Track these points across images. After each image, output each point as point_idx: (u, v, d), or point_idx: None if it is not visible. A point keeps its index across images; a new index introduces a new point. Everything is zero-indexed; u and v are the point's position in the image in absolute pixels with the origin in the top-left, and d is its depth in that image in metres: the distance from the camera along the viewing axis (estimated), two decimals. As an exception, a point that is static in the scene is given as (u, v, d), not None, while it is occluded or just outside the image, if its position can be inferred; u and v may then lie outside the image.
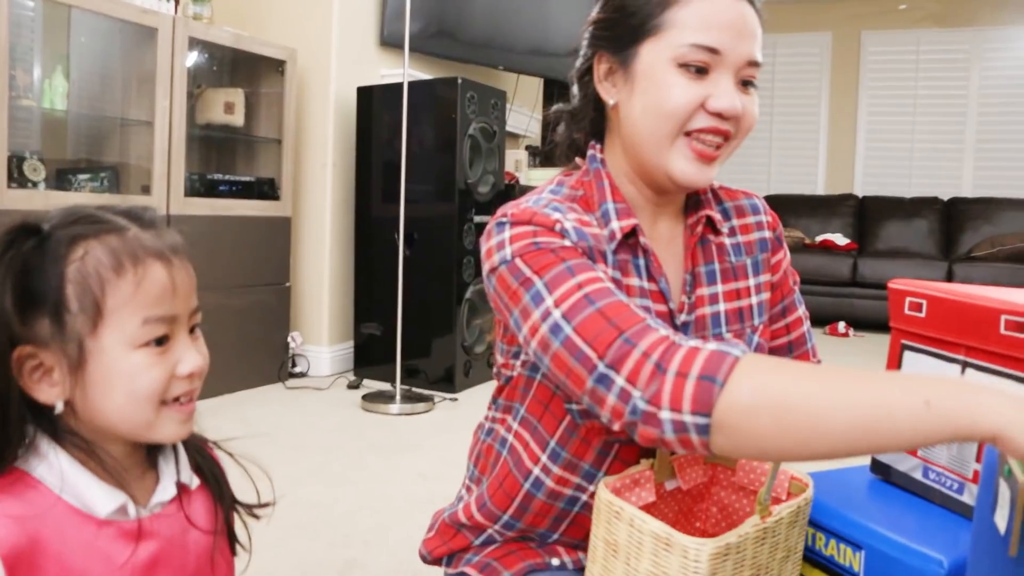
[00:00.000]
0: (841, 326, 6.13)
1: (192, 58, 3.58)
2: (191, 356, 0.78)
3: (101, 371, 0.73)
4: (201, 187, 3.55)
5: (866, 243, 6.90)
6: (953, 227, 6.79)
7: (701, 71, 0.97)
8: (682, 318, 1.05)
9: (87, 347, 0.73)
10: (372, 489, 2.50)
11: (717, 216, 1.11)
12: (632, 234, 1.03)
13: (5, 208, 2.74)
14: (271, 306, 3.84)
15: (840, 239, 6.71)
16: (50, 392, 0.74)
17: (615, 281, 1.00)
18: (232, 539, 0.89)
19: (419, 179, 3.79)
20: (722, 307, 1.09)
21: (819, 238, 6.79)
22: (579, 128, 1.13)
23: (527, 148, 5.41)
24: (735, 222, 1.15)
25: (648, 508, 1.03)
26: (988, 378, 0.96)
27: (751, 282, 1.13)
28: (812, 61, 7.82)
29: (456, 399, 3.71)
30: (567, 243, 0.95)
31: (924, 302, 1.06)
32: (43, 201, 2.87)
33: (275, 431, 3.08)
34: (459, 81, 3.76)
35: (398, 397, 3.47)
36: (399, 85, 3.67)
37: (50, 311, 0.72)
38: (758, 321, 1.12)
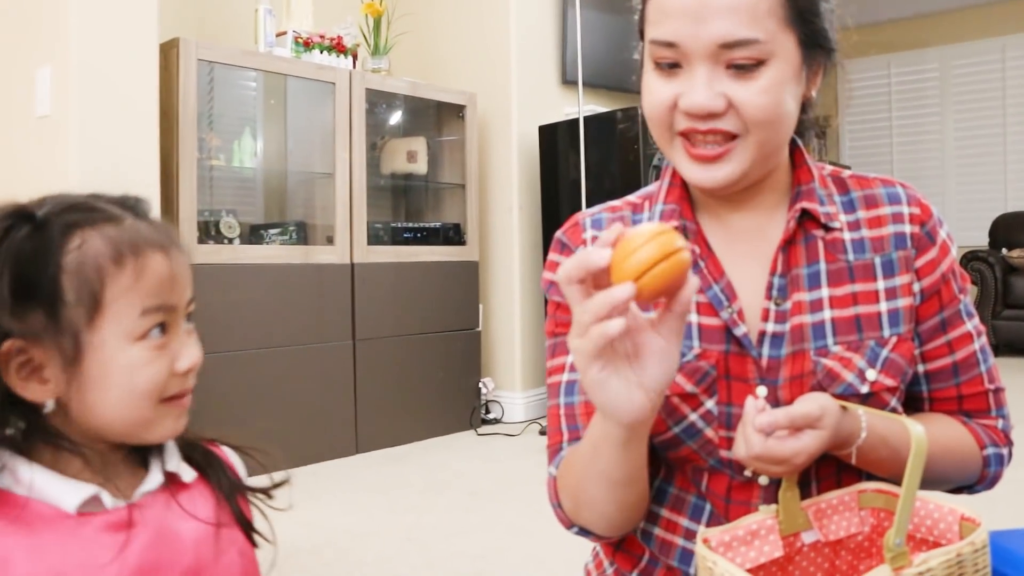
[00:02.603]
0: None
1: (371, 110, 3.68)
2: (189, 350, 0.74)
3: (98, 366, 0.70)
4: (385, 235, 3.62)
5: None
6: None
7: (674, 66, 0.86)
8: (771, 328, 0.90)
9: (83, 341, 0.69)
10: (545, 541, 2.35)
11: (818, 208, 0.92)
12: None
13: (197, 263, 2.88)
14: (461, 352, 3.83)
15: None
16: (40, 390, 0.70)
17: None
18: (249, 530, 0.82)
19: (604, 215, 3.66)
20: (828, 314, 0.90)
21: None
22: None
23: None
24: (861, 214, 0.94)
25: (782, 566, 0.83)
26: None
27: (879, 285, 0.91)
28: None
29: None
30: None
31: None
32: (232, 255, 3.01)
33: (455, 478, 3.01)
34: (639, 111, 3.61)
35: (586, 441, 3.32)
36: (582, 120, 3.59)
37: (44, 303, 0.68)
38: (890, 332, 0.90)
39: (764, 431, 0.80)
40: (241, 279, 3.00)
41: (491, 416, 4.00)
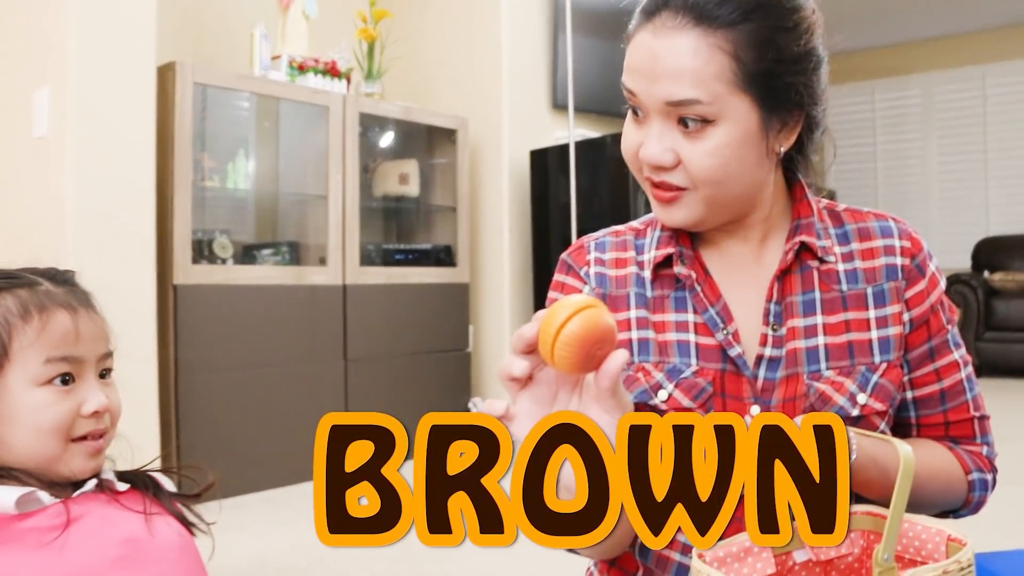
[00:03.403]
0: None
1: (364, 133, 3.72)
2: (95, 396, 0.84)
3: (6, 406, 0.81)
4: (377, 257, 3.65)
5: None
6: None
7: (642, 113, 0.92)
8: (768, 352, 0.93)
9: None
10: (538, 560, 2.37)
11: (815, 242, 0.96)
12: (669, 262, 0.99)
13: (191, 283, 2.91)
14: (451, 372, 3.85)
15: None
16: None
17: (640, 320, 0.98)
18: (186, 523, 0.91)
19: (595, 238, 3.69)
20: (822, 340, 0.94)
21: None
22: None
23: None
24: (855, 246, 0.98)
25: None
26: None
27: (871, 314, 0.95)
28: (1027, 91, 7.07)
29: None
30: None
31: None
32: (225, 275, 3.04)
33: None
34: (629, 135, 3.66)
35: (575, 462, 3.33)
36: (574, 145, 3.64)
37: None
38: (880, 359, 0.94)
39: None
40: (235, 299, 3.02)
41: (481, 437, 4.01)
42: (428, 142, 4.02)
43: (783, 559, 0.88)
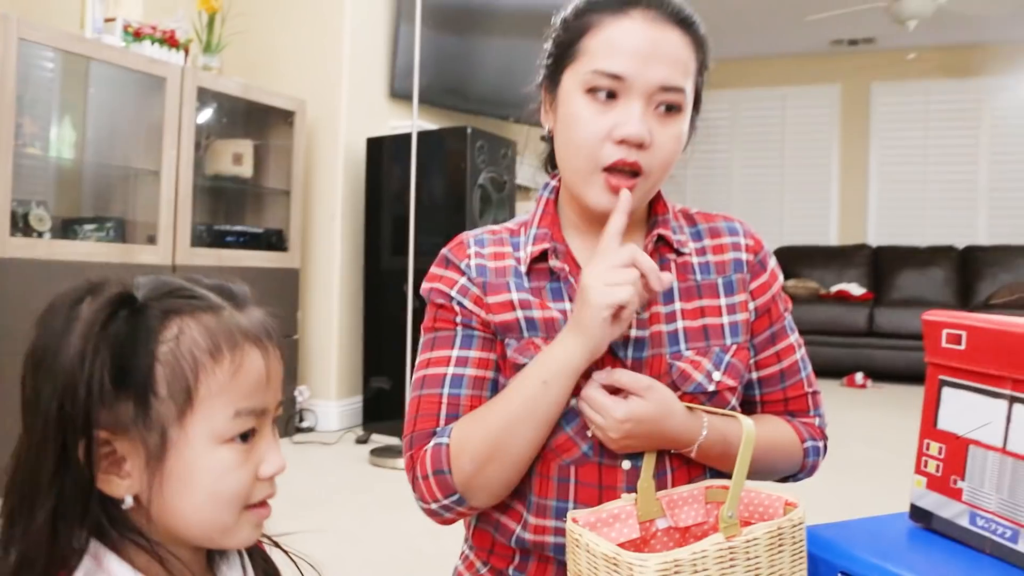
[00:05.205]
0: (859, 377, 6.02)
1: (201, 108, 3.58)
2: (275, 456, 0.70)
3: (182, 466, 0.65)
4: (208, 238, 3.52)
5: (882, 293, 6.81)
6: (970, 275, 6.71)
7: (611, 96, 0.99)
8: (634, 333, 1.05)
9: (170, 437, 0.64)
10: (380, 545, 2.40)
11: (671, 235, 1.10)
12: (544, 257, 1.08)
13: (8, 257, 2.70)
14: (278, 359, 3.77)
15: (856, 289, 6.64)
16: (119, 485, 0.65)
17: (523, 302, 1.06)
18: None
19: (429, 230, 3.74)
20: (681, 324, 1.07)
21: (834, 288, 6.72)
22: (546, 158, 1.20)
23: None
24: (707, 242, 1.13)
25: (637, 546, 0.97)
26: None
27: (722, 302, 1.10)
28: (822, 113, 7.83)
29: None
30: (455, 292, 1.08)
31: (964, 334, 0.98)
32: (46, 250, 2.84)
33: (279, 486, 2.98)
34: (468, 131, 3.74)
35: (407, 451, 3.38)
36: (409, 136, 3.65)
37: (136, 394, 0.63)
38: (730, 341, 1.08)
39: (601, 382, 0.98)
40: (54, 276, 2.83)
41: (305, 424, 3.97)
42: (265, 122, 3.91)
43: (647, 526, 0.99)
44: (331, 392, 4.04)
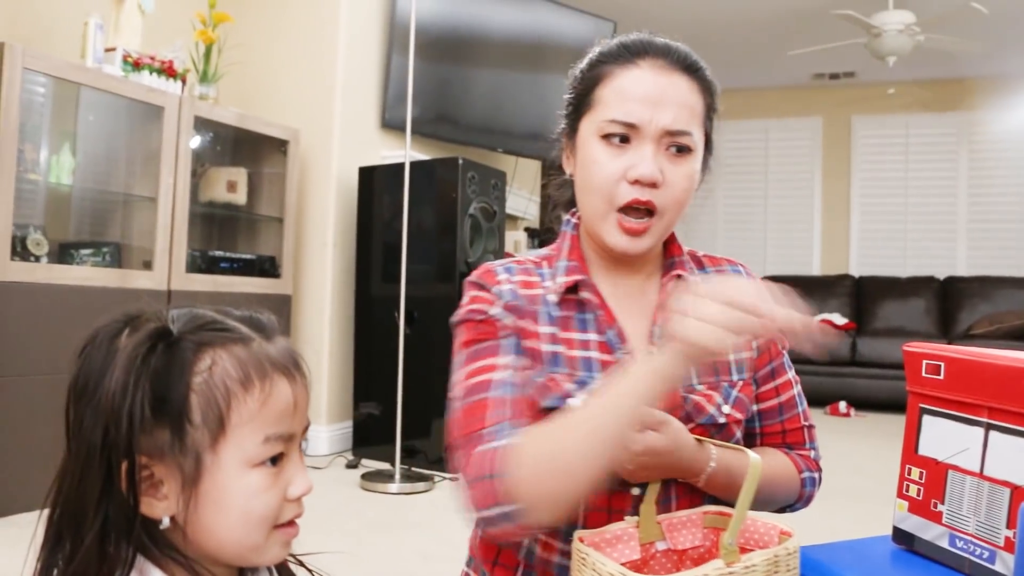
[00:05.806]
0: (842, 406, 6.09)
1: (197, 137, 3.63)
2: (302, 477, 0.75)
3: (216, 489, 0.70)
4: (203, 264, 3.56)
5: (864, 323, 6.90)
6: (950, 305, 6.82)
7: (624, 140, 1.06)
8: None
9: (204, 462, 0.69)
10: (372, 569, 2.43)
11: (687, 276, 1.17)
12: (574, 289, 1.13)
13: (8, 280, 2.73)
14: (269, 384, 3.79)
15: (838, 319, 6.72)
16: (156, 506, 0.70)
17: (551, 336, 1.09)
18: None
19: (420, 258, 3.80)
20: None
21: (817, 318, 6.76)
22: (563, 198, 1.26)
23: (526, 230, 5.45)
24: None
25: (636, 567, 1.01)
26: (1014, 440, 0.94)
27: None
28: (804, 145, 7.96)
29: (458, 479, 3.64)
30: (494, 311, 1.10)
31: (942, 364, 1.04)
32: (45, 274, 2.87)
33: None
34: (460, 161, 3.81)
35: (398, 476, 3.41)
36: (400, 165, 3.71)
37: (172, 421, 0.68)
38: (736, 377, 1.15)
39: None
40: (53, 300, 2.86)
41: (295, 450, 3.98)
42: (259, 150, 3.96)
43: (647, 547, 1.04)
44: (321, 417, 4.06)
